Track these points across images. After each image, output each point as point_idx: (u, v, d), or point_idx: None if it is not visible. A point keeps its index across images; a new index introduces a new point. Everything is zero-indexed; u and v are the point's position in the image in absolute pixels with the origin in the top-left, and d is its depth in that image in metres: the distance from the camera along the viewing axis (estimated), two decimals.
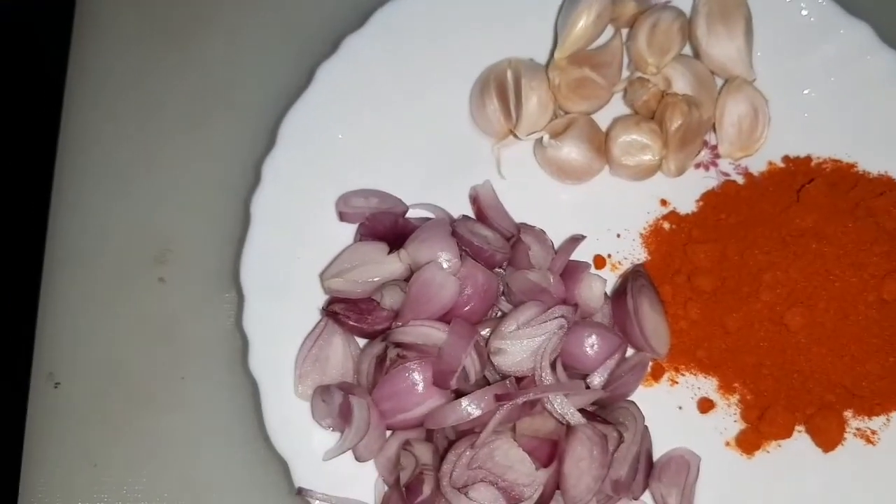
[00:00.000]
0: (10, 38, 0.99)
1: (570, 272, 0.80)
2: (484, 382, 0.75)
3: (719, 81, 0.88)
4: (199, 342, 0.84)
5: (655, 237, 0.85)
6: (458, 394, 0.73)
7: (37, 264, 0.86)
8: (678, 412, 0.80)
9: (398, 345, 0.75)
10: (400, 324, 0.75)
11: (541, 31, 0.89)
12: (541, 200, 0.86)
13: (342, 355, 0.78)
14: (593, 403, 0.76)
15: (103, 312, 0.86)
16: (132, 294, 0.86)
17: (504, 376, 0.74)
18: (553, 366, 0.73)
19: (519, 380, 0.74)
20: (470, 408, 0.71)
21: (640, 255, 0.85)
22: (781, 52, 0.88)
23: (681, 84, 0.86)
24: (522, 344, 0.74)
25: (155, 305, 0.86)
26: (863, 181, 0.85)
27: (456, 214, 0.85)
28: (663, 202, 0.87)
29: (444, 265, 0.77)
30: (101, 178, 0.89)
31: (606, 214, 0.86)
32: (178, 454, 0.81)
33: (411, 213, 0.85)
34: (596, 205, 0.86)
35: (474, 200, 0.85)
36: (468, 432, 0.72)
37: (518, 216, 0.84)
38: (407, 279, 0.79)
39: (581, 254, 0.83)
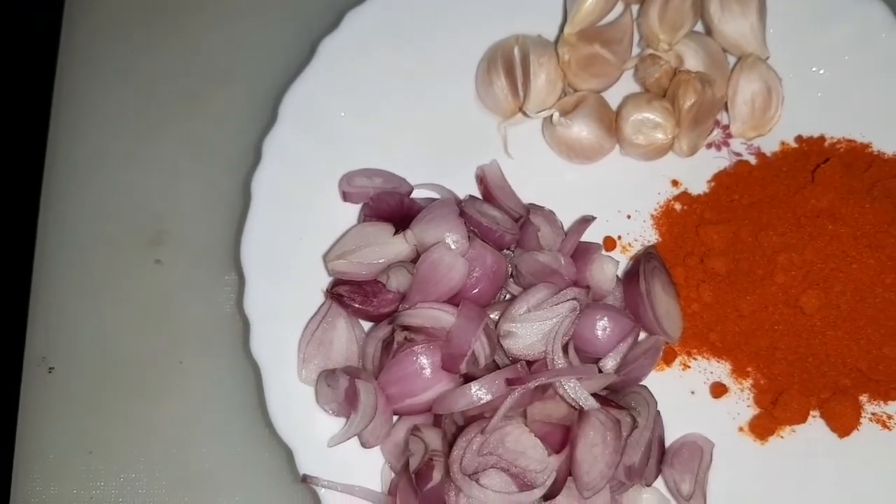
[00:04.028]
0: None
1: (581, 254, 0.78)
2: (493, 366, 0.73)
3: (731, 60, 0.86)
4: (198, 325, 0.82)
5: (667, 218, 0.83)
6: (467, 378, 0.71)
7: (29, 246, 0.84)
8: (690, 397, 0.79)
9: (405, 328, 0.73)
10: (407, 306, 0.73)
11: (549, 6, 0.86)
12: (549, 180, 0.84)
13: (346, 338, 0.76)
14: (605, 388, 0.74)
15: (98, 295, 0.83)
16: (128, 276, 0.84)
17: (514, 360, 0.72)
18: (565, 349, 0.71)
19: (530, 363, 0.72)
20: (480, 392, 0.69)
21: (651, 236, 0.83)
22: (795, 30, 0.86)
23: (693, 61, 0.84)
24: (533, 327, 0.72)
25: (152, 288, 0.84)
26: (878, 161, 0.83)
27: (462, 194, 0.83)
28: (674, 183, 0.85)
29: (453, 246, 0.75)
30: (94, 158, 0.87)
31: (616, 195, 0.84)
32: (177, 441, 0.79)
33: (416, 194, 0.82)
34: (605, 185, 0.84)
35: (481, 180, 0.83)
36: (477, 417, 0.70)
37: (526, 197, 0.82)
38: (413, 261, 0.76)
39: (591, 235, 0.81)
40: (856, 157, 0.84)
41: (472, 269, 0.75)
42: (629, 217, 0.84)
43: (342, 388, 0.71)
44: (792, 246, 0.78)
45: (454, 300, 0.74)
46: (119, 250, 0.84)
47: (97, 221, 0.85)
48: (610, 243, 0.83)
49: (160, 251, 0.84)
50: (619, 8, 0.85)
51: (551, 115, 0.81)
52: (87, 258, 0.84)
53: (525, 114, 0.83)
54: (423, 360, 0.71)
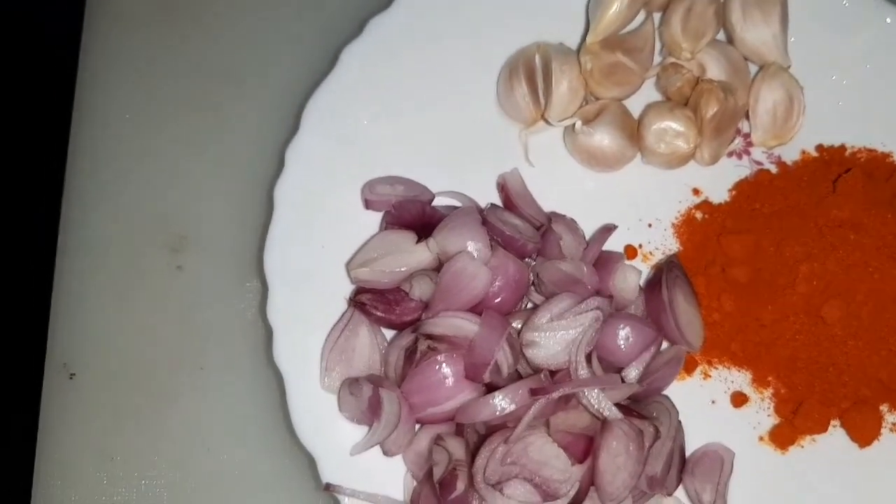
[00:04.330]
0: (20, 19, 0.96)
1: (603, 263, 0.78)
2: (516, 376, 0.73)
3: (752, 68, 0.86)
4: (220, 332, 0.82)
5: (688, 227, 0.83)
6: (490, 387, 0.71)
7: (50, 252, 0.84)
8: (711, 406, 0.79)
9: (428, 336, 0.73)
10: (430, 315, 0.73)
11: (571, 14, 0.86)
12: (569, 188, 0.84)
13: (369, 346, 0.76)
14: (627, 398, 0.74)
15: (119, 301, 0.83)
16: (149, 282, 0.84)
17: (537, 369, 0.72)
18: (588, 359, 0.71)
19: (553, 373, 0.72)
20: (503, 402, 0.69)
21: (672, 245, 0.83)
22: (816, 39, 0.86)
23: (715, 70, 0.84)
24: (556, 336, 0.72)
25: (173, 294, 0.84)
26: None
27: (483, 202, 0.83)
28: (695, 191, 0.85)
29: (475, 255, 0.75)
30: (116, 163, 0.87)
31: (637, 204, 0.84)
32: (198, 447, 0.79)
33: (437, 201, 0.82)
34: (626, 194, 0.84)
35: (502, 188, 0.83)
36: (500, 427, 0.70)
37: (546, 204, 0.82)
38: (435, 269, 0.76)
39: (612, 244, 0.81)
40: (877, 167, 0.84)
41: (494, 277, 0.75)
42: (650, 226, 0.84)
43: (365, 396, 0.71)
44: (814, 256, 0.78)
45: (477, 309, 0.74)
46: (140, 256, 0.84)
47: (119, 227, 0.85)
48: (631, 252, 0.83)
49: (182, 257, 0.84)
50: (640, 16, 0.85)
51: (573, 124, 0.81)
52: (108, 264, 0.84)
53: (547, 121, 0.83)
54: (447, 370, 0.72)
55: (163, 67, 0.89)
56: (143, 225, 0.85)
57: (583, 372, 0.71)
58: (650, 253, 0.83)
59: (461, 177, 0.83)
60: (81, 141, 0.87)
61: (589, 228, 0.82)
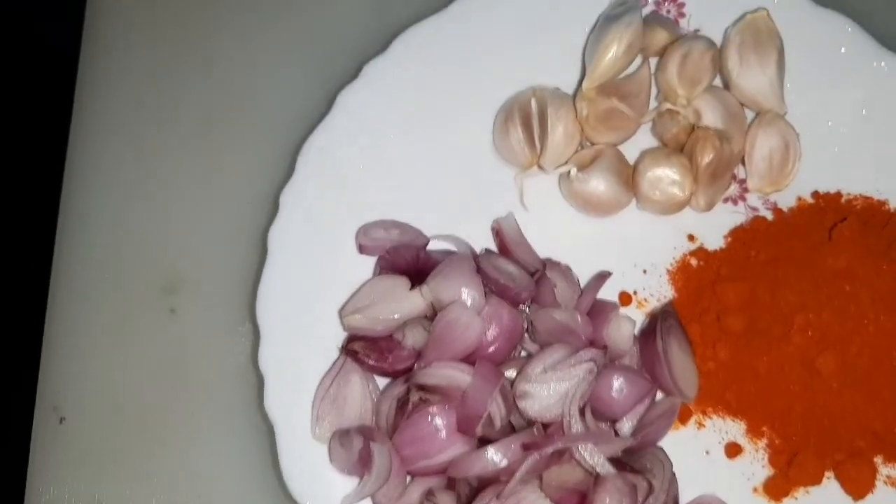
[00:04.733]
0: (17, 45, 0.96)
1: (598, 311, 0.78)
2: (509, 427, 0.73)
3: (748, 113, 0.86)
4: (212, 376, 0.81)
5: (683, 274, 0.83)
6: (483, 440, 0.71)
7: (42, 292, 0.83)
8: (705, 456, 0.78)
9: (421, 387, 0.73)
10: (422, 365, 0.73)
11: (567, 58, 0.86)
12: (565, 233, 0.84)
13: (360, 395, 0.76)
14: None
15: (110, 344, 0.83)
16: (141, 325, 0.83)
17: (530, 422, 0.72)
18: (582, 412, 0.71)
19: (546, 425, 0.72)
20: (496, 457, 0.69)
21: (667, 292, 0.83)
22: (812, 85, 0.86)
23: (711, 116, 0.83)
24: (550, 388, 0.72)
25: (166, 337, 0.83)
26: (894, 220, 0.83)
27: (478, 246, 0.82)
28: (690, 237, 0.84)
29: (469, 303, 0.74)
30: (108, 203, 0.86)
31: (632, 249, 0.83)
32: (189, 495, 0.78)
33: (432, 245, 0.82)
34: (621, 239, 0.84)
35: (497, 233, 0.82)
36: (492, 481, 0.70)
37: (541, 249, 0.82)
38: (429, 316, 0.76)
39: (607, 290, 0.81)
40: (873, 215, 0.84)
41: (487, 326, 0.74)
42: (645, 272, 0.83)
43: (356, 449, 0.71)
44: (809, 307, 0.78)
45: (470, 358, 0.74)
46: (133, 298, 0.84)
47: (111, 268, 0.85)
48: (626, 298, 0.82)
49: (175, 299, 0.84)
50: (637, 61, 0.85)
51: (568, 171, 0.81)
52: (100, 306, 0.83)
53: (542, 168, 0.83)
54: (439, 422, 0.71)
55: (160, 107, 0.89)
56: (137, 266, 0.85)
57: (576, 426, 0.70)
58: (645, 299, 0.83)
59: (456, 220, 0.83)
60: (75, 182, 0.87)
61: (584, 273, 0.81)
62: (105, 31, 0.91)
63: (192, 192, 0.86)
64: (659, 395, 0.78)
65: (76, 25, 0.90)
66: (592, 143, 0.84)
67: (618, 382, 0.74)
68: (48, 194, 0.86)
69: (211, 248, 0.85)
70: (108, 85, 0.90)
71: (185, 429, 0.80)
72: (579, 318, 0.75)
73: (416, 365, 0.74)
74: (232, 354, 0.82)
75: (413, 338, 0.75)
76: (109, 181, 0.87)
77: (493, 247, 0.83)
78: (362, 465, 0.71)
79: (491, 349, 0.75)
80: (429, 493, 0.70)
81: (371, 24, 0.90)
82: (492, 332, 0.75)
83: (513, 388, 0.72)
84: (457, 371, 0.72)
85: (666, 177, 0.81)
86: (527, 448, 0.68)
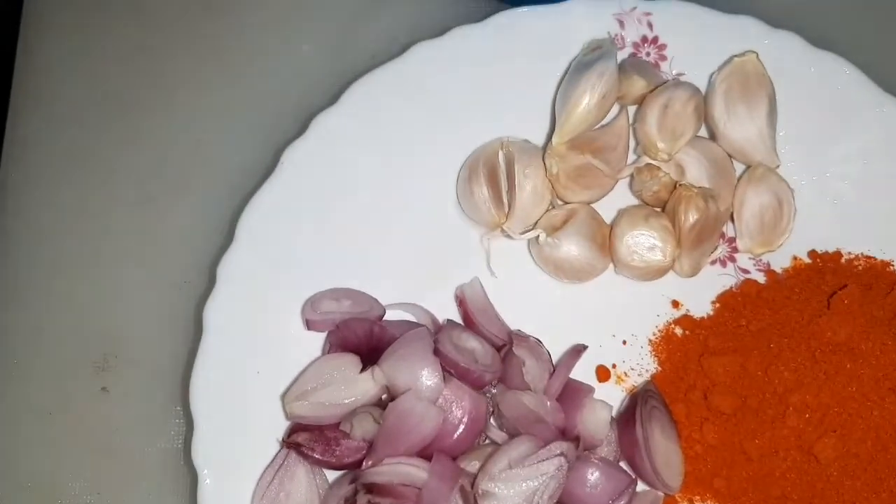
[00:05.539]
0: None
1: (571, 395, 0.70)
2: None
3: (738, 166, 0.78)
4: (146, 460, 0.75)
5: (667, 345, 0.76)
6: None
7: None
8: None
9: (370, 487, 0.65)
10: (370, 463, 0.65)
11: (536, 108, 0.78)
12: (536, 300, 0.77)
13: (306, 491, 0.68)
14: None
15: (39, 423, 0.76)
16: (71, 404, 0.77)
17: None
18: None
19: None
20: None
21: (649, 365, 0.75)
22: (807, 134, 0.79)
23: (695, 172, 0.76)
24: (515, 487, 0.64)
25: (97, 417, 0.76)
26: None
27: (441, 315, 0.75)
28: (675, 304, 0.77)
29: (425, 390, 0.67)
30: (37, 274, 0.79)
31: (611, 317, 0.76)
32: None
33: (389, 315, 0.74)
34: (599, 306, 0.76)
35: (461, 302, 0.75)
36: None
37: (510, 317, 0.75)
38: (380, 404, 0.68)
39: (583, 363, 0.73)
40: (875, 278, 0.76)
41: (447, 412, 0.67)
42: (625, 343, 0.76)
43: None
44: (806, 385, 0.70)
45: (427, 450, 0.66)
46: (63, 376, 0.77)
47: (40, 343, 0.78)
48: (603, 373, 0.75)
49: (107, 377, 0.77)
50: (614, 109, 0.77)
51: (537, 236, 0.73)
52: (28, 384, 0.76)
53: (507, 234, 0.75)
54: None
55: (91, 167, 0.82)
56: (67, 342, 0.78)
57: None
58: (625, 373, 0.75)
59: (417, 287, 0.76)
60: (5, 252, 0.80)
61: (558, 345, 0.74)
62: (37, 87, 0.84)
63: (126, 263, 0.79)
64: (641, 486, 0.70)
65: (4, 82, 0.83)
66: (564, 202, 0.77)
67: (593, 477, 0.66)
68: None
69: (146, 323, 0.78)
70: (38, 146, 0.83)
71: None
72: (549, 405, 0.68)
73: (365, 458, 0.66)
74: (169, 437, 0.75)
75: (362, 429, 0.67)
76: (38, 250, 0.80)
77: (457, 316, 0.75)
78: None
79: (450, 440, 0.67)
80: None
81: (325, 73, 0.82)
82: (452, 420, 0.67)
83: (474, 487, 0.65)
84: (411, 467, 0.65)
85: (645, 241, 0.74)
86: None
